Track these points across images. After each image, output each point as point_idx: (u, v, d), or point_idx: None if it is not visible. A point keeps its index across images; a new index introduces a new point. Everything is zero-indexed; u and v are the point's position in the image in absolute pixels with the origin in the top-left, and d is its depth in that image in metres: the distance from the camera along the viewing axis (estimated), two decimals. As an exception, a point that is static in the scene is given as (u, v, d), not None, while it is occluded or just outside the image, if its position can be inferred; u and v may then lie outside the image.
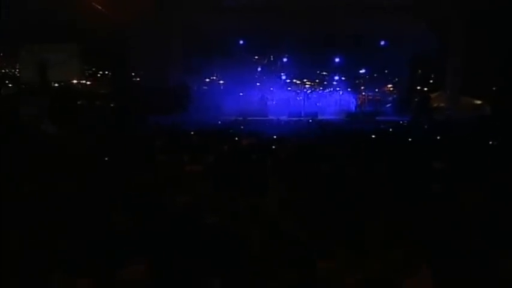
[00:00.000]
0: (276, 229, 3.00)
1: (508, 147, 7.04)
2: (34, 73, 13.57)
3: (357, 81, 20.79)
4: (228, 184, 4.06)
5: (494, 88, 15.93)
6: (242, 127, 11.21)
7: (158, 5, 15.71)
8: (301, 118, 16.62)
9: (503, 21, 14.29)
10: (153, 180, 4.31)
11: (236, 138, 7.82)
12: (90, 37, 14.28)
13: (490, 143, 7.43)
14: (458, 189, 3.91)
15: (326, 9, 16.42)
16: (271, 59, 20.75)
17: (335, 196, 3.68)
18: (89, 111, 13.19)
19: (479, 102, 17.30)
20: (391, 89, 21.07)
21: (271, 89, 19.78)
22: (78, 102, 13.40)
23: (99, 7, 14.76)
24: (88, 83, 18.05)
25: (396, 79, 20.82)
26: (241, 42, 18.87)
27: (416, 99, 17.85)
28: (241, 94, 18.66)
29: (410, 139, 8.17)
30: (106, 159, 5.42)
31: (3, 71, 17.51)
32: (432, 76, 20.12)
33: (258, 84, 20.07)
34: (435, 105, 17.47)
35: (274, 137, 8.08)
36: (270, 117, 17.17)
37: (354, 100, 19.84)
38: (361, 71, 20.42)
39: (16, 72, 16.91)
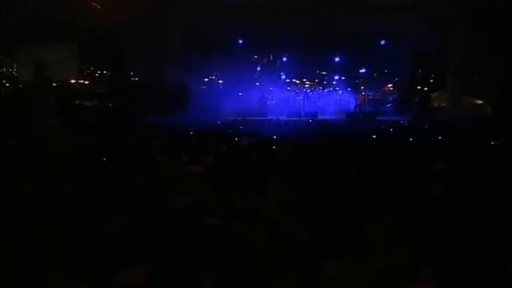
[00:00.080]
0: (276, 230, 2.97)
1: (509, 147, 6.99)
2: (32, 72, 13.49)
3: (357, 81, 20.76)
4: (228, 185, 4.02)
5: (495, 88, 15.87)
6: (241, 127, 11.12)
7: (157, 4, 15.61)
8: (301, 118, 16.57)
9: (503, 20, 14.23)
10: (151, 181, 4.27)
11: (236, 139, 7.75)
12: (88, 36, 14.21)
13: (492, 143, 7.36)
14: (460, 190, 3.88)
15: (326, 8, 16.35)
16: (271, 58, 20.72)
17: (336, 197, 3.63)
18: (86, 111, 13.13)
19: (480, 102, 17.27)
20: (391, 88, 20.99)
21: (271, 88, 19.72)
22: (76, 102, 13.32)
23: (97, 6, 14.68)
24: (86, 82, 17.94)
25: (396, 79, 20.76)
26: (240, 41, 18.79)
27: (416, 99, 17.77)
28: (240, 94, 18.58)
29: (411, 139, 8.12)
30: (104, 159, 5.37)
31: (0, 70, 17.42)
32: (432, 76, 20.08)
33: (257, 83, 20.01)
34: (436, 105, 17.44)
35: (274, 137, 8.01)
36: (270, 117, 17.11)
37: (354, 100, 19.78)
38: (361, 71, 20.39)
39: (14, 72, 16.80)
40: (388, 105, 19.74)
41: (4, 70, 17.56)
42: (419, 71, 19.60)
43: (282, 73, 20.56)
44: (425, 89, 19.75)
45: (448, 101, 17.71)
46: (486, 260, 2.50)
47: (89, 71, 18.51)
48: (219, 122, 12.87)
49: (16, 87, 15.15)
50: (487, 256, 2.54)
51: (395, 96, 20.32)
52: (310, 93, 20.36)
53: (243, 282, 2.42)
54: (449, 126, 12.08)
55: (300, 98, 19.70)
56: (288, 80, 20.78)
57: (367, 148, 6.76)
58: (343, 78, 20.58)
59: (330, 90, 20.89)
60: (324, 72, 21.36)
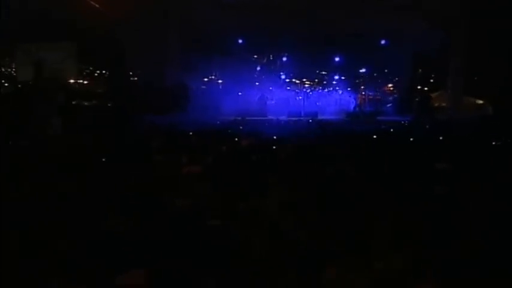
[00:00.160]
0: (276, 230, 2.96)
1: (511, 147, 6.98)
2: (30, 72, 13.44)
3: (357, 81, 20.70)
4: (227, 186, 3.99)
5: (495, 88, 15.84)
6: (241, 127, 11.07)
7: (156, 4, 15.55)
8: (301, 118, 16.48)
9: (504, 20, 14.18)
10: (150, 182, 4.21)
11: (235, 139, 7.71)
12: (87, 36, 14.15)
13: (494, 143, 7.34)
14: (462, 191, 3.87)
15: (326, 7, 16.27)
16: (271, 58, 20.67)
17: (337, 198, 3.61)
18: (85, 111, 13.05)
19: (481, 102, 17.23)
20: (391, 88, 20.92)
21: (270, 88, 19.64)
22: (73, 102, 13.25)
23: (96, 5, 14.60)
24: (85, 82, 17.88)
25: (396, 78, 20.70)
26: (240, 41, 18.73)
27: (417, 99, 17.74)
28: (239, 94, 18.50)
29: (412, 139, 8.09)
30: (103, 160, 5.34)
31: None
32: (432, 75, 20.02)
33: (257, 83, 19.93)
34: (436, 104, 17.39)
35: (274, 137, 7.98)
36: (270, 117, 17.03)
37: (354, 100, 19.70)
38: (361, 71, 20.33)
39: (12, 72, 16.74)
40: (389, 105, 19.66)
41: (3, 70, 17.47)
42: (420, 70, 19.54)
43: (281, 73, 20.49)
44: (426, 88, 19.70)
45: (449, 101, 17.66)
46: (488, 260, 2.49)
47: (87, 71, 18.40)
48: (218, 122, 12.79)
49: (15, 87, 15.09)
50: (490, 256, 2.53)
51: (395, 96, 20.24)
52: (310, 93, 20.26)
53: (244, 283, 2.40)
54: (451, 126, 12.03)
55: (300, 97, 19.59)
56: (287, 80, 20.69)
57: (368, 148, 6.72)
58: (343, 78, 20.53)
59: (329, 90, 20.81)
60: (323, 72, 21.30)
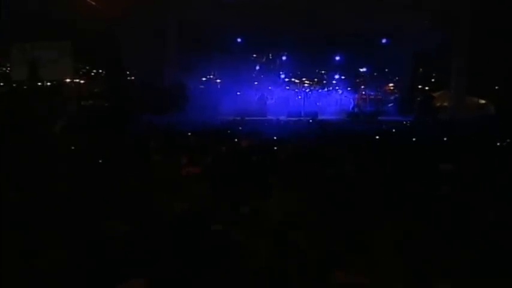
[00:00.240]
0: (279, 235, 2.93)
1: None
2: (25, 72, 13.27)
3: (358, 80, 20.59)
4: (227, 188, 3.97)
5: (498, 87, 15.79)
6: (240, 128, 10.97)
7: (154, 2, 15.39)
8: (301, 118, 16.35)
9: (507, 19, 14.09)
10: (148, 184, 4.19)
11: (235, 140, 7.67)
12: (84, 34, 13.99)
13: (497, 143, 7.29)
14: (468, 193, 3.85)
15: (326, 6, 16.13)
16: (270, 57, 20.54)
17: (339, 199, 3.62)
18: (81, 111, 12.94)
19: (483, 101, 17.16)
20: (392, 88, 20.82)
21: (270, 88, 19.50)
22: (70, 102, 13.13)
23: (93, 3, 14.44)
24: (82, 81, 17.72)
25: (397, 78, 20.60)
26: (239, 39, 18.59)
27: (419, 99, 17.64)
28: (238, 93, 18.34)
29: (415, 140, 8.04)
30: (99, 161, 5.30)
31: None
32: (434, 75, 19.94)
33: (256, 83, 19.79)
34: (438, 104, 17.29)
35: (274, 137, 7.95)
36: (269, 117, 16.92)
37: (354, 99, 19.56)
38: (361, 70, 20.26)
39: (7, 71, 16.57)
40: (390, 104, 19.52)
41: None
42: (420, 70, 19.44)
43: (281, 72, 20.33)
44: (427, 88, 19.63)
45: (451, 101, 17.59)
46: (496, 263, 2.49)
47: (84, 70, 18.25)
48: (217, 123, 12.65)
49: (10, 86, 14.92)
50: (497, 259, 2.53)
51: (396, 95, 20.12)
52: (310, 92, 20.12)
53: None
54: (454, 126, 11.94)
55: (300, 97, 19.46)
56: (287, 80, 20.56)
57: (369, 149, 6.67)
58: (343, 77, 20.39)
59: (330, 90, 20.67)
60: (323, 72, 21.18)
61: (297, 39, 17.49)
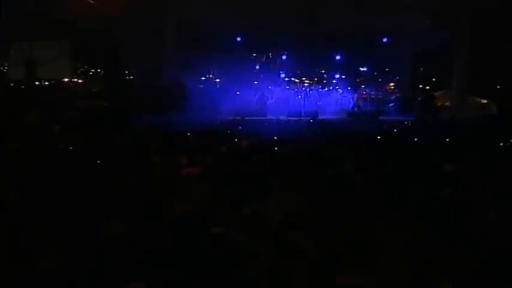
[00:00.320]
0: (282, 239, 2.91)
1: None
2: (22, 71, 13.20)
3: (358, 80, 20.53)
4: (228, 189, 3.96)
5: (500, 87, 15.75)
6: (240, 127, 10.95)
7: (153, 0, 15.30)
8: (302, 118, 16.28)
9: (509, 19, 14.01)
10: (148, 185, 4.16)
11: (235, 140, 7.68)
12: (82, 33, 13.92)
13: (499, 143, 7.30)
14: (470, 193, 3.87)
15: (326, 5, 16.05)
16: (270, 56, 20.43)
17: (341, 201, 3.61)
18: (79, 110, 12.84)
19: (485, 101, 17.11)
20: (393, 87, 20.75)
21: (270, 87, 19.41)
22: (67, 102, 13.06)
23: (91, 1, 14.34)
24: (80, 81, 17.63)
25: (397, 77, 20.54)
26: (238, 39, 18.48)
27: (420, 98, 17.56)
28: (238, 93, 18.25)
29: (417, 140, 8.08)
30: (97, 162, 5.28)
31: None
32: (434, 74, 19.89)
33: (256, 82, 19.70)
34: (439, 104, 17.23)
35: (275, 137, 7.98)
36: (269, 116, 16.86)
37: (355, 99, 19.48)
38: (362, 69, 20.21)
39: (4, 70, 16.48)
40: (391, 104, 19.43)
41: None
42: (421, 69, 19.37)
43: (281, 72, 20.25)
44: (427, 88, 19.57)
45: (453, 100, 17.52)
46: (494, 260, 2.50)
47: (82, 69, 18.16)
48: (216, 123, 12.58)
49: (8, 85, 14.82)
50: (497, 257, 2.54)
51: (397, 95, 20.04)
52: (311, 92, 20.03)
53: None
54: (456, 126, 11.89)
55: (300, 97, 19.37)
56: (287, 79, 20.47)
57: (371, 150, 6.67)
58: (343, 77, 20.31)
59: (330, 89, 20.60)
60: (324, 71, 21.11)
61: (297, 38, 17.40)
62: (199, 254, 2.57)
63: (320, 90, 20.50)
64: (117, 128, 9.72)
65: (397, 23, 16.91)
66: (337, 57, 19.63)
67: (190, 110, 14.59)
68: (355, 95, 19.55)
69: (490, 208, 3.39)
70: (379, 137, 8.51)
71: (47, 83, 14.84)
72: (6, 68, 16.19)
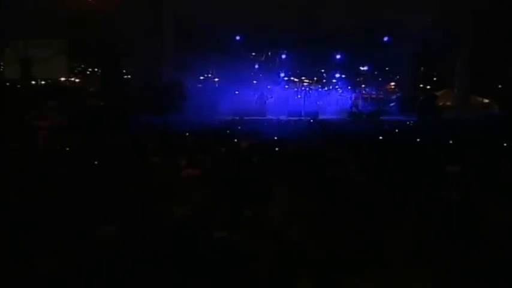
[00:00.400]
0: (283, 240, 2.91)
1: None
2: (19, 70, 13.09)
3: (358, 79, 20.48)
4: (227, 190, 3.94)
5: (502, 86, 15.71)
6: (240, 128, 10.89)
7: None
8: (302, 118, 16.21)
9: (511, 17, 13.93)
10: (146, 187, 4.14)
11: (235, 140, 7.65)
12: (79, 32, 13.81)
13: (502, 142, 7.25)
14: (474, 193, 3.86)
15: (326, 4, 15.97)
16: (269, 55, 20.35)
17: (342, 202, 3.61)
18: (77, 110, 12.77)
19: (487, 101, 17.06)
20: (393, 87, 20.68)
21: (269, 87, 19.32)
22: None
23: (88, 0, 14.22)
24: (77, 80, 17.52)
25: (398, 77, 20.49)
26: (237, 38, 18.40)
27: (421, 98, 17.46)
28: (237, 92, 18.15)
29: (419, 140, 8.07)
30: (95, 163, 5.25)
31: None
32: (435, 73, 19.83)
33: (255, 82, 19.62)
34: (441, 104, 17.16)
35: (275, 138, 7.99)
36: (269, 116, 16.78)
37: (355, 99, 19.39)
38: (362, 69, 20.15)
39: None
40: (392, 104, 19.34)
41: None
42: (422, 68, 19.30)
43: (280, 71, 20.17)
44: (428, 87, 19.54)
45: (454, 100, 17.48)
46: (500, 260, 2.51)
47: (79, 69, 18.06)
48: (216, 123, 12.49)
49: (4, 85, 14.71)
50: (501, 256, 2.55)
51: (398, 95, 19.98)
52: (310, 91, 19.93)
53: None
54: (458, 126, 11.84)
55: (300, 96, 19.28)
56: (286, 78, 20.40)
57: (372, 150, 6.67)
58: (343, 76, 20.25)
59: (330, 89, 20.53)
60: (323, 70, 21.06)
61: (297, 37, 17.33)
62: (200, 256, 2.56)
63: (320, 89, 20.44)
64: (115, 128, 9.63)
65: (398, 22, 16.84)
66: (337, 57, 19.56)
67: (189, 109, 14.50)
68: (353, 95, 19.49)
69: (491, 208, 3.40)
70: (380, 137, 8.47)
71: (43, 82, 14.76)
72: (1, 67, 16.06)
